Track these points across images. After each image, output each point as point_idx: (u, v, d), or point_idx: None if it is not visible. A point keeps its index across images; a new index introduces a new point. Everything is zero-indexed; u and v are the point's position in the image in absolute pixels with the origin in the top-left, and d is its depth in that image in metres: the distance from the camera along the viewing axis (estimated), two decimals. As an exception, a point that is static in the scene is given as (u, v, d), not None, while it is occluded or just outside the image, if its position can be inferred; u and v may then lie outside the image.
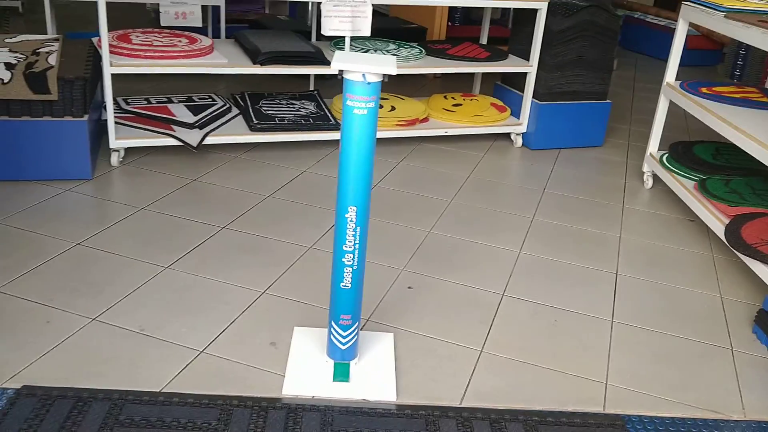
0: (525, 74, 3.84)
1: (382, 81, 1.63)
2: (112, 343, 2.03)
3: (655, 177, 3.51)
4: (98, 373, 1.90)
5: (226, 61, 3.33)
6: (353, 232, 1.80)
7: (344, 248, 1.82)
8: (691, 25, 3.26)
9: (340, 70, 1.62)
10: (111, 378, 1.89)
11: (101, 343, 2.03)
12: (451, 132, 3.81)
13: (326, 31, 3.23)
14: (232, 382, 1.91)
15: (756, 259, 2.45)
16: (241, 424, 1.74)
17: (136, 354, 1.99)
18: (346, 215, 1.78)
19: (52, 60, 3.05)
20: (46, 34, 3.54)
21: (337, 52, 1.68)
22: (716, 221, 2.78)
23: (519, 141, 3.95)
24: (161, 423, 1.73)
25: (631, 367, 2.13)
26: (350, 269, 1.85)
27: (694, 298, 2.55)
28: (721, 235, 2.71)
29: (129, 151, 3.33)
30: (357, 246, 1.82)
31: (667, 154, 3.43)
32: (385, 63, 1.60)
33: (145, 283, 2.34)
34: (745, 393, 2.05)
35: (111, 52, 3.10)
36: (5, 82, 2.83)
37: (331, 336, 1.94)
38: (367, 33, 3.26)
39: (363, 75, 1.60)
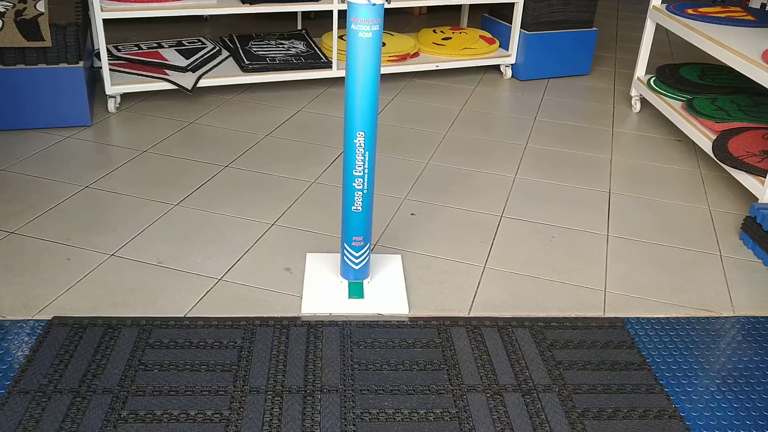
0: (512, 5, 3.86)
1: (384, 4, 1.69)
2: (133, 275, 2.11)
3: (643, 101, 3.59)
4: (123, 303, 1.99)
5: (215, 1, 3.33)
6: (362, 157, 1.87)
7: (354, 173, 1.90)
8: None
9: (344, -5, 1.66)
10: (136, 307, 1.98)
11: (122, 276, 2.11)
12: (441, 66, 3.84)
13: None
14: (252, 305, 2.01)
15: (742, 170, 2.56)
16: (265, 341, 1.85)
17: (157, 284, 2.08)
18: (355, 140, 1.85)
19: (41, 7, 3.03)
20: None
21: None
22: (704, 138, 2.88)
23: (508, 72, 4.00)
24: (189, 344, 1.83)
25: (627, 275, 2.25)
26: (360, 193, 1.93)
27: (684, 211, 2.67)
28: (709, 151, 2.81)
29: (125, 97, 3.35)
30: (366, 170, 1.90)
31: (654, 77, 3.50)
32: (388, -14, 1.65)
33: (157, 220, 2.41)
34: (733, 292, 2.19)
35: (100, -4, 3.08)
36: (-2, 30, 2.83)
37: (345, 258, 2.03)
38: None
39: (367, -2, 1.65)
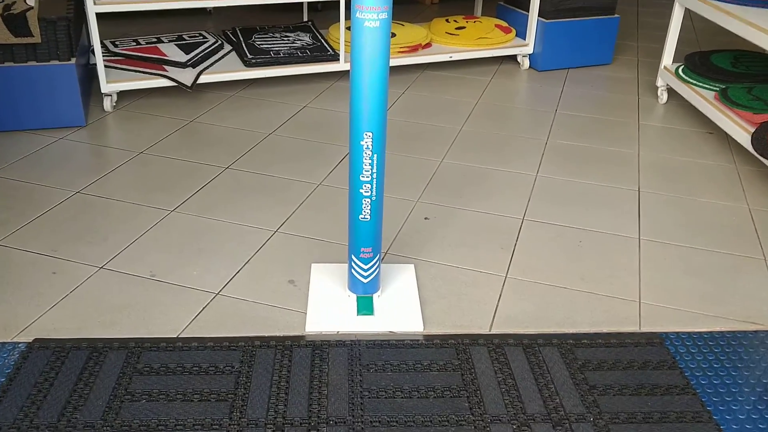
0: (529, -9, 3.65)
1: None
2: (123, 290, 1.94)
3: (670, 91, 3.38)
4: (111, 323, 1.82)
5: (215, -7, 3.15)
6: (370, 161, 1.69)
7: (361, 178, 1.71)
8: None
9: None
10: (125, 326, 1.81)
11: (111, 291, 1.94)
12: (455, 57, 3.64)
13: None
14: (252, 322, 1.84)
15: (787, 167, 2.35)
16: (265, 364, 1.67)
17: (149, 300, 1.91)
18: (362, 142, 1.67)
19: (31, 1, 2.86)
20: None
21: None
22: (740, 130, 2.66)
23: (526, 63, 3.79)
24: (181, 369, 1.65)
25: (663, 283, 2.05)
26: (368, 200, 1.74)
27: (722, 210, 2.46)
28: (746, 144, 2.60)
29: (122, 95, 3.19)
30: (375, 175, 1.71)
31: (683, 66, 3.28)
32: (397, -33, 1.46)
33: (151, 228, 2.24)
34: (783, 303, 1.98)
35: (93, -11, 2.91)
36: (-16, 26, 2.67)
37: (352, 270, 1.85)
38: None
39: (373, -19, 1.46)
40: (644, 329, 1.86)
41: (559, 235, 2.28)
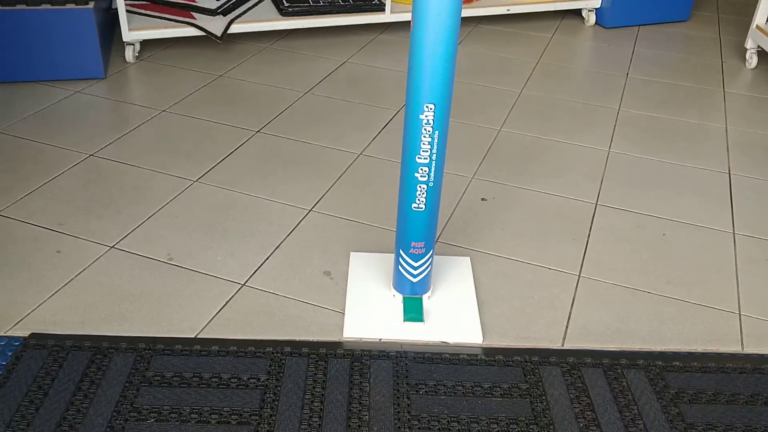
0: (601, -65, 3.23)
1: None
2: (135, 276, 1.69)
3: (761, 54, 2.97)
4: (120, 316, 1.57)
5: (249, -70, 2.81)
6: (430, 139, 1.38)
7: (417, 160, 1.41)
8: None
9: None
10: (135, 321, 1.56)
11: (122, 277, 1.69)
12: (513, 10, 3.26)
13: None
14: (282, 322, 1.57)
15: None
16: (296, 378, 1.41)
17: (165, 290, 1.65)
18: (421, 116, 1.36)
19: (46, -64, 2.56)
20: None
21: None
22: None
23: (592, 18, 3.39)
24: (198, 380, 1.40)
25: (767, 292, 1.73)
26: (425, 186, 1.44)
27: (830, 201, 2.11)
28: None
29: (145, 44, 2.89)
30: (434, 156, 1.40)
31: (779, 26, 2.86)
32: None
33: (171, 200, 1.98)
34: None
35: (113, -77, 2.60)
36: (-9, -37, 2.38)
37: (400, 267, 1.56)
38: None
39: None
40: (748, 350, 1.55)
41: (638, 225, 1.96)
